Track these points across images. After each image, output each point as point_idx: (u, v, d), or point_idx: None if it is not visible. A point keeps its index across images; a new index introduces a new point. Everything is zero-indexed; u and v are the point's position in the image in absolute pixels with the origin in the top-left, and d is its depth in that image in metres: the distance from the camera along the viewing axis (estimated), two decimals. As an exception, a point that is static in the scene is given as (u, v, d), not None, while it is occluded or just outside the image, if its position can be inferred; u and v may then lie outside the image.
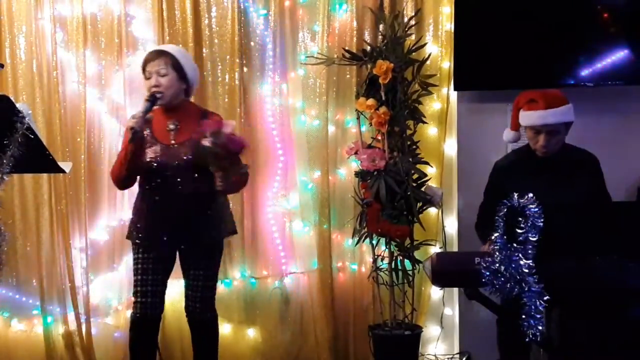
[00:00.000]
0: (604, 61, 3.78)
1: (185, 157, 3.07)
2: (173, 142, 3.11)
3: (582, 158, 3.23)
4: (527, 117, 3.12)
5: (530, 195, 2.32)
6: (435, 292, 4.01)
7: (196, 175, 3.08)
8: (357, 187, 3.70)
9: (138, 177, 3.18)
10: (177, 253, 3.23)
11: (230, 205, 3.39)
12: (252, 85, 4.03)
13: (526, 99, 3.16)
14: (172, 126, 3.13)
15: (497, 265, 2.37)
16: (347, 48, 3.75)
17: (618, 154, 3.68)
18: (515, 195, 2.35)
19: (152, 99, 3.07)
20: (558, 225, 2.73)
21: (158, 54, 3.15)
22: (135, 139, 3.01)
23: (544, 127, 3.08)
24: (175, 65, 3.13)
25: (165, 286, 3.23)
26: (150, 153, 3.09)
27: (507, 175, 3.21)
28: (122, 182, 3.20)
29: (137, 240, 3.17)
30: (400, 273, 3.62)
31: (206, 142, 2.87)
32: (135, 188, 3.26)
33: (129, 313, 3.17)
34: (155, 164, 3.08)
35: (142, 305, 3.14)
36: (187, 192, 3.08)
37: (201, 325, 3.26)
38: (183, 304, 3.28)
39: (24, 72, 3.95)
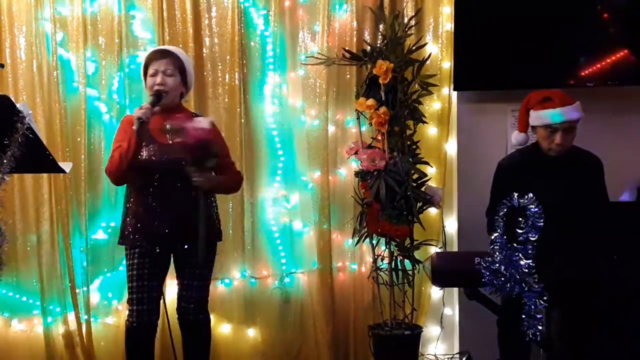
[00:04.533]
0: (604, 61, 3.78)
1: (182, 157, 3.04)
2: (170, 142, 3.10)
3: (587, 160, 3.24)
4: (544, 116, 3.12)
5: (530, 195, 2.32)
6: (435, 292, 4.01)
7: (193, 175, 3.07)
8: (357, 187, 3.70)
9: (132, 178, 3.13)
10: (172, 254, 3.21)
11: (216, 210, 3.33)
12: (252, 85, 4.03)
13: (538, 99, 3.16)
14: (168, 127, 3.11)
15: (497, 265, 2.37)
16: (347, 48, 3.75)
17: (618, 154, 3.68)
18: (516, 195, 2.35)
19: (158, 95, 3.07)
20: (561, 225, 2.74)
21: (165, 54, 3.16)
22: (141, 130, 2.96)
23: (562, 124, 3.09)
24: (181, 68, 3.15)
25: (161, 292, 3.18)
26: (147, 151, 3.07)
27: (513, 175, 3.21)
28: (121, 176, 3.10)
29: (134, 244, 3.10)
30: (400, 273, 3.62)
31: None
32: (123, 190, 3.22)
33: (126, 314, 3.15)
34: (152, 162, 3.05)
35: (138, 314, 3.09)
36: (184, 191, 3.05)
37: (194, 327, 3.20)
38: None
39: (24, 72, 3.95)
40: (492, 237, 2.42)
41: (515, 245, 2.34)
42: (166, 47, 3.35)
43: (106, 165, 3.16)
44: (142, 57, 3.26)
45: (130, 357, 3.16)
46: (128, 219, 3.14)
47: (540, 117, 3.13)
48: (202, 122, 3.04)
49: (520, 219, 2.32)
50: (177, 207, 3.07)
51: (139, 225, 3.10)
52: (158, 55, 3.16)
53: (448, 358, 4.02)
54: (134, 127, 2.96)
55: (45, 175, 3.92)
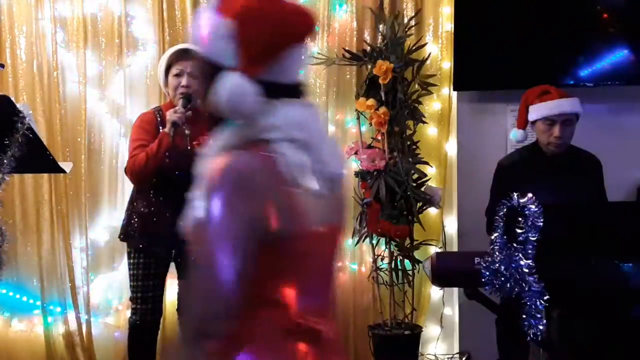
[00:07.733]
0: (603, 61, 3.78)
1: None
2: (189, 147, 3.06)
3: (587, 159, 3.25)
4: (542, 108, 3.14)
5: (530, 195, 2.32)
6: (435, 292, 4.01)
7: None
8: (357, 187, 3.70)
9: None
10: (174, 254, 3.20)
11: None
12: (252, 85, 4.02)
13: (536, 94, 3.19)
14: (187, 132, 3.08)
15: (497, 265, 2.37)
16: (347, 48, 3.75)
17: (618, 154, 3.68)
18: (515, 195, 2.35)
19: (187, 97, 3.03)
20: (560, 225, 2.73)
21: (191, 55, 3.11)
22: (175, 135, 2.95)
23: (559, 116, 3.10)
24: None
25: (164, 289, 3.19)
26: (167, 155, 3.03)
27: (512, 174, 3.22)
28: (147, 177, 3.04)
29: (138, 244, 3.11)
30: (400, 273, 3.62)
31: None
32: (128, 190, 3.21)
33: (129, 313, 3.15)
34: (171, 166, 3.01)
35: (142, 312, 3.10)
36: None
37: None
38: None
39: (25, 72, 3.95)
40: (492, 237, 2.41)
41: (515, 245, 2.34)
42: (190, 46, 3.30)
43: (127, 164, 3.09)
44: (165, 55, 3.19)
45: (133, 355, 3.17)
46: (133, 219, 3.13)
47: (538, 109, 3.16)
48: None
49: (520, 218, 2.32)
50: (182, 209, 3.03)
51: (144, 226, 3.09)
52: (185, 55, 3.06)
53: (448, 358, 4.02)
54: (168, 132, 2.94)
55: (45, 175, 3.92)
